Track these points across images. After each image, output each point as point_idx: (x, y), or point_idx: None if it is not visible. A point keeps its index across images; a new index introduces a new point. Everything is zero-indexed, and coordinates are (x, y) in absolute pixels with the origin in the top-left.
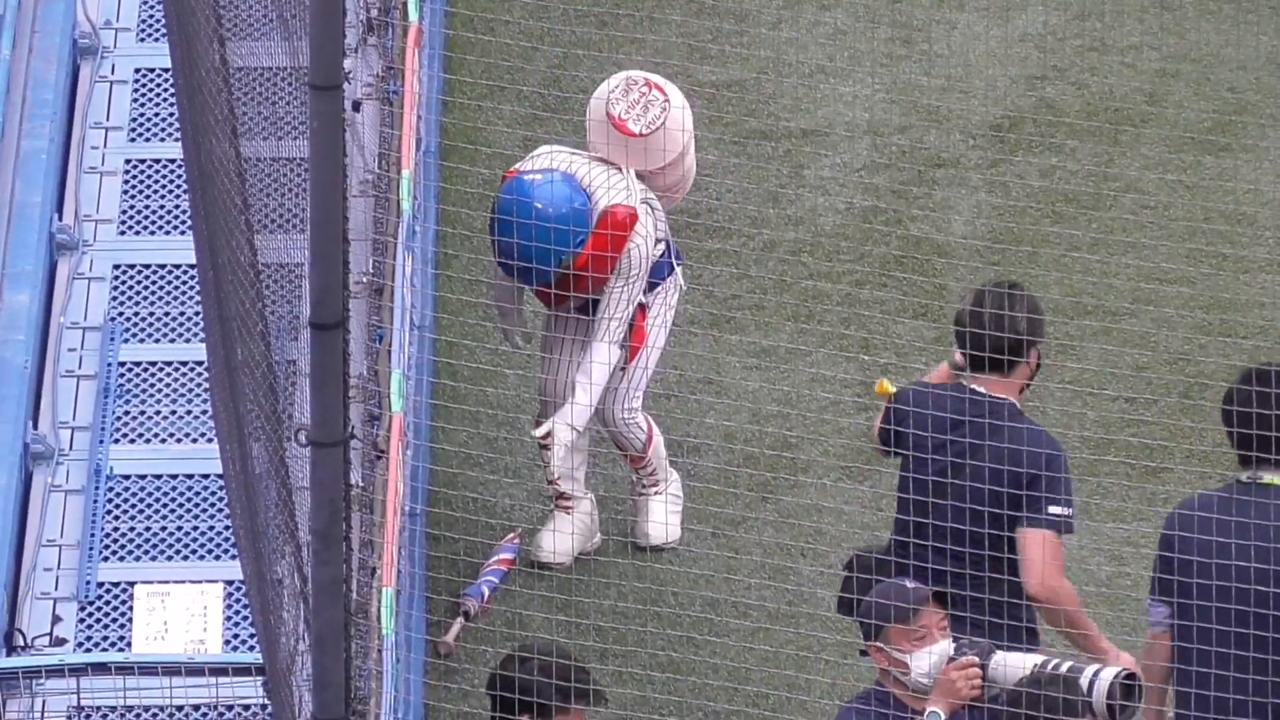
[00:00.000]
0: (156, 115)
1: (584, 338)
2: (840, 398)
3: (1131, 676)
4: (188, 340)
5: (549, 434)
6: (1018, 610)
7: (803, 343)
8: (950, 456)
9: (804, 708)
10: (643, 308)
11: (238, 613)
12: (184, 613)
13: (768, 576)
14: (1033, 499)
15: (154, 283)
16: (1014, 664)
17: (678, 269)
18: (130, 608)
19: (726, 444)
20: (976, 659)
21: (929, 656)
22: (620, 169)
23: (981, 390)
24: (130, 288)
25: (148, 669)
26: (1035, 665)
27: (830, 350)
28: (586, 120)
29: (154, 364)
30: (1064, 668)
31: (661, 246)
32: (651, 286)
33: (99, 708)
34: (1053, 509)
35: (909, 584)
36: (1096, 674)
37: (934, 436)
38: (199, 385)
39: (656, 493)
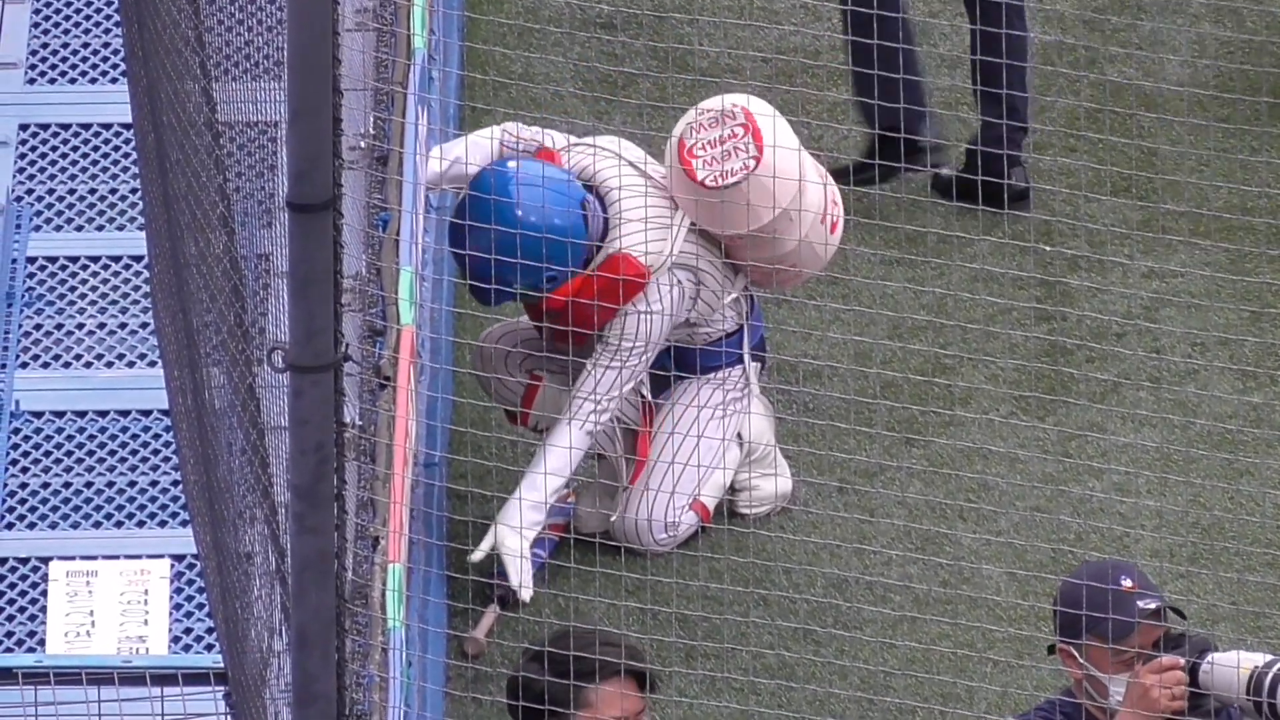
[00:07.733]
0: None
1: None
2: (1013, 302)
3: None
4: (120, 228)
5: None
6: None
7: (960, 227)
8: None
9: None
10: (649, 406)
11: (190, 599)
12: (116, 600)
13: (914, 547)
14: None
15: (75, 149)
16: (1224, 665)
17: (749, 364)
18: (44, 593)
19: (858, 366)
20: (1179, 659)
21: None
22: (676, 212)
23: None
24: (42, 155)
25: (68, 676)
26: (1257, 666)
27: (998, 238)
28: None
29: (75, 260)
30: None
31: (722, 324)
32: (699, 368)
33: None
34: None
35: (1128, 581)
36: None
37: None
38: (136, 289)
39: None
